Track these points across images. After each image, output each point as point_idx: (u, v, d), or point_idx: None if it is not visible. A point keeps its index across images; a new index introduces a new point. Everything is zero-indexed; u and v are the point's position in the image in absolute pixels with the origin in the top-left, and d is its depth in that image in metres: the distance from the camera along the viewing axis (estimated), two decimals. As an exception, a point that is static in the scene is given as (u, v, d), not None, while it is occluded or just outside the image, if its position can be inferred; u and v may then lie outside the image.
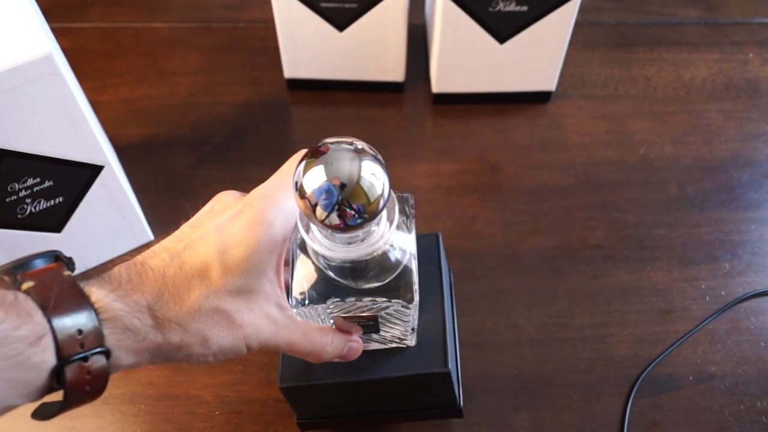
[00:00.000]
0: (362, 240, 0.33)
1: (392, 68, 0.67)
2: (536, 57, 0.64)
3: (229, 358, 0.34)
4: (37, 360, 0.27)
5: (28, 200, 0.49)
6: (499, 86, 0.67)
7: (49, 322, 0.28)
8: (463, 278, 0.56)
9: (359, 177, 0.30)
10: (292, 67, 0.68)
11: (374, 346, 0.42)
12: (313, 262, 0.35)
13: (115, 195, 0.53)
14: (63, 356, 0.28)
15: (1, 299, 0.27)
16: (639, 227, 0.60)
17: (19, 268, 0.30)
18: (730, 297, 0.56)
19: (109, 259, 0.58)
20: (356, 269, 0.34)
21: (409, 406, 0.46)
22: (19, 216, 0.49)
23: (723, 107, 0.69)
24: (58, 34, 0.51)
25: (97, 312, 0.29)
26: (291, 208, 0.34)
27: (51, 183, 0.49)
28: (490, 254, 0.58)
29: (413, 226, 0.36)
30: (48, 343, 0.28)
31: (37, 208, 0.50)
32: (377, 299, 0.35)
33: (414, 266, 0.36)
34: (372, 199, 0.30)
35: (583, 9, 0.61)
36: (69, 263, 0.32)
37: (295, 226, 0.35)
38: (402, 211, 0.36)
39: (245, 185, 0.37)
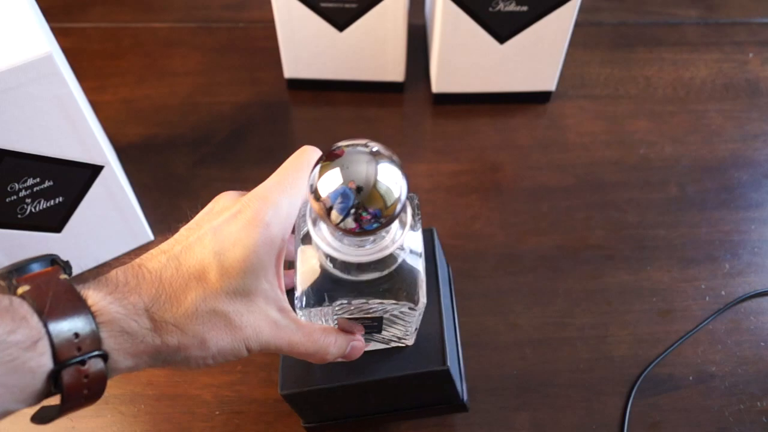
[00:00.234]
0: (373, 242, 0.32)
1: (392, 68, 0.67)
2: (536, 57, 0.64)
3: (228, 361, 0.33)
4: (33, 364, 0.27)
5: (28, 200, 0.49)
6: (499, 86, 0.67)
7: (45, 326, 0.27)
8: (463, 278, 0.56)
9: (376, 180, 0.29)
10: (292, 67, 0.68)
11: (373, 346, 0.41)
12: (318, 261, 0.35)
13: (115, 195, 0.53)
14: (60, 360, 0.28)
15: None
16: (639, 227, 0.60)
17: (15, 273, 0.30)
18: (730, 297, 0.56)
19: (109, 260, 0.58)
20: (361, 265, 0.34)
21: (413, 403, 0.46)
22: (19, 216, 0.49)
23: (723, 107, 0.69)
24: (58, 34, 0.51)
25: (93, 315, 0.29)
26: (289, 208, 0.34)
27: (51, 183, 0.49)
28: (490, 254, 0.58)
29: (419, 225, 0.36)
30: (44, 347, 0.27)
31: (37, 208, 0.50)
32: (385, 301, 0.35)
33: (422, 267, 0.35)
34: (389, 204, 0.30)
35: (583, 9, 0.61)
36: (66, 267, 0.31)
37: (295, 227, 0.35)
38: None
39: (245, 185, 0.36)
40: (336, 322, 0.38)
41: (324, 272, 0.34)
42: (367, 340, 0.40)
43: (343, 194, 0.29)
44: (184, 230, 0.34)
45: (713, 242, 0.59)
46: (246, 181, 0.39)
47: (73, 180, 0.50)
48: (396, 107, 0.69)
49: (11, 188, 0.47)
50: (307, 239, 0.35)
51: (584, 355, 0.53)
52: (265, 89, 0.70)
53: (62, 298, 0.28)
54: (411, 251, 0.35)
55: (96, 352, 0.28)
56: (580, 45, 0.73)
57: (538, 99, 0.69)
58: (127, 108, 0.68)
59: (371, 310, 0.36)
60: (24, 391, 0.27)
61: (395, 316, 0.37)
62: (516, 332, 0.54)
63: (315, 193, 0.30)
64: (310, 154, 0.35)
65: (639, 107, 0.69)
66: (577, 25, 0.61)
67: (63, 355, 0.28)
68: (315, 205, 0.30)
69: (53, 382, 0.28)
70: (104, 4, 0.78)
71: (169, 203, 0.61)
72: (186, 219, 0.35)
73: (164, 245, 0.33)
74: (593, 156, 0.65)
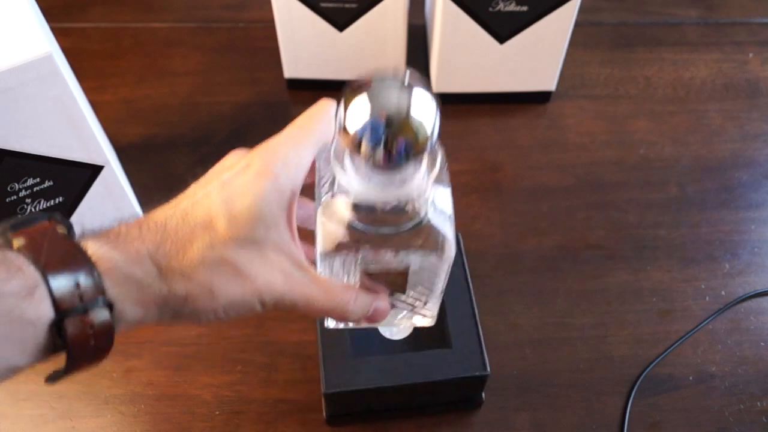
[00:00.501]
0: (402, 183, 0.30)
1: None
2: (536, 57, 0.64)
3: (241, 315, 0.32)
4: (32, 314, 0.26)
5: (28, 200, 0.49)
6: (499, 86, 0.67)
7: (43, 275, 0.26)
8: (463, 278, 0.56)
9: (408, 111, 0.27)
10: (292, 67, 0.68)
11: (395, 314, 0.39)
12: (339, 217, 0.33)
13: (115, 195, 0.53)
14: (61, 310, 0.26)
15: None
16: (639, 227, 0.60)
17: (10, 228, 0.29)
18: (730, 297, 0.56)
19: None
20: (386, 216, 0.32)
21: (439, 401, 0.48)
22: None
23: (723, 107, 0.69)
24: (58, 34, 0.51)
25: (94, 264, 0.28)
26: (298, 160, 0.33)
27: (51, 183, 0.49)
28: (490, 254, 0.58)
29: (447, 179, 0.34)
30: (42, 294, 0.26)
31: (37, 208, 0.50)
32: (410, 250, 0.32)
33: (450, 224, 0.33)
34: (422, 136, 0.28)
35: (583, 9, 0.61)
36: (65, 224, 0.30)
37: (312, 183, 0.33)
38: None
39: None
40: (358, 282, 0.36)
41: (347, 227, 0.33)
42: (390, 304, 0.38)
43: (372, 125, 0.27)
44: (192, 186, 0.33)
45: (713, 242, 0.59)
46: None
47: (73, 180, 0.50)
48: (396, 107, 0.69)
49: (11, 188, 0.47)
50: (326, 197, 0.33)
51: (584, 355, 0.53)
52: (265, 89, 0.70)
53: (59, 248, 0.27)
54: (437, 208, 0.33)
55: (100, 300, 0.27)
56: (580, 45, 0.73)
57: (538, 99, 0.69)
58: (127, 108, 0.68)
59: (396, 262, 0.34)
60: (26, 343, 0.26)
61: (422, 268, 0.35)
62: (516, 332, 0.54)
63: (342, 125, 0.28)
64: (325, 106, 0.34)
65: (639, 107, 0.69)
66: (577, 25, 0.61)
67: (64, 305, 0.26)
68: (343, 138, 0.28)
69: (57, 334, 0.27)
70: (104, 4, 0.78)
71: (169, 203, 0.61)
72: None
73: (172, 201, 0.32)
74: (593, 156, 0.65)
